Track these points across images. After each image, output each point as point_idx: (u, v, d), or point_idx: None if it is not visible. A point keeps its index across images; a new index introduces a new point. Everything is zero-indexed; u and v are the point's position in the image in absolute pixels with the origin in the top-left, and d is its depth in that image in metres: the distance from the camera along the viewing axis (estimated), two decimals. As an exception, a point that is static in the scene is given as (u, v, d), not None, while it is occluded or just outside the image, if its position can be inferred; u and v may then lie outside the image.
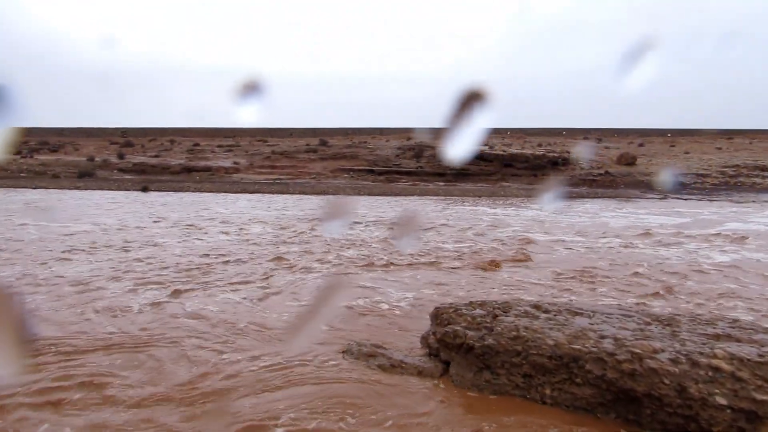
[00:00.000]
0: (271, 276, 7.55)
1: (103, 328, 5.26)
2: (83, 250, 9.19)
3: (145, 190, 20.76)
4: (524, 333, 3.80)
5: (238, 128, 53.05)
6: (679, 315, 4.30)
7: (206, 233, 11.11)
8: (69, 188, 21.37)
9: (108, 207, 15.56)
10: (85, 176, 25.20)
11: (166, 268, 7.89)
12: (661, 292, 6.71)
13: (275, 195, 19.44)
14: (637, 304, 6.06)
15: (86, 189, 21.13)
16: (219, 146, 39.45)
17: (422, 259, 8.66)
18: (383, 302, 6.20)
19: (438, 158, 29.45)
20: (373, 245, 10.02)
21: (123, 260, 8.41)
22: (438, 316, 4.47)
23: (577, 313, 4.22)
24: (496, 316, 4.23)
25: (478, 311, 4.38)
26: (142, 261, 8.36)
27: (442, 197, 20.18)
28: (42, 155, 33.47)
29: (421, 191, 22.00)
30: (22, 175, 25.77)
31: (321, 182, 24.91)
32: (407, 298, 6.43)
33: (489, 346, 3.83)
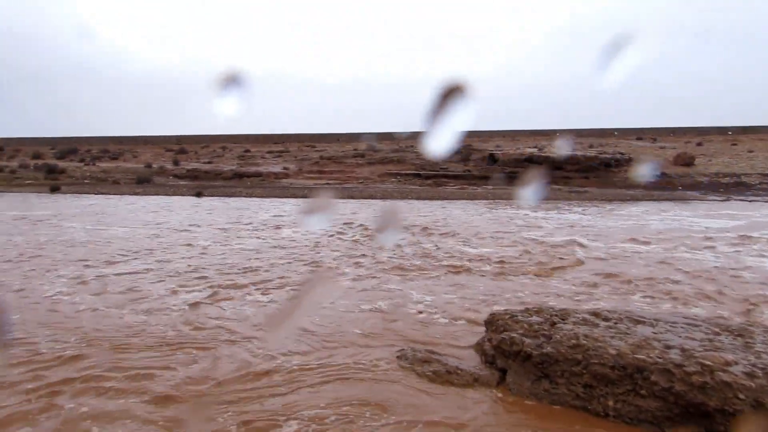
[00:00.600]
0: (314, 279, 7.66)
1: (147, 327, 5.45)
2: (133, 252, 9.54)
3: (199, 195, 21.37)
4: (584, 341, 3.69)
5: (287, 134, 54.01)
6: (751, 325, 4.08)
7: (252, 236, 11.33)
8: (128, 194, 22.24)
9: (162, 212, 16.08)
10: (143, 182, 26.15)
11: (209, 268, 8.10)
12: (721, 300, 6.41)
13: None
14: (702, 313, 5.80)
15: (144, 194, 21.93)
16: (269, 152, 40.24)
17: (472, 264, 8.55)
18: (434, 308, 6.15)
19: (485, 161, 29.18)
20: (420, 248, 9.98)
21: (168, 262, 8.68)
22: (493, 322, 4.40)
23: (638, 322, 4.07)
24: (554, 323, 4.13)
25: (535, 318, 4.29)
26: (187, 263, 8.61)
27: (491, 200, 19.93)
28: (103, 162, 34.95)
29: (470, 195, 21.79)
30: (86, 181, 27.02)
31: (369, 186, 25.02)
32: (458, 303, 6.36)
33: (548, 355, 3.74)
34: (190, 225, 13.15)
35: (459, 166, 29.33)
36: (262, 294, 6.89)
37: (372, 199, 19.73)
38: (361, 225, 12.88)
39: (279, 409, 3.70)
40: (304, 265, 8.63)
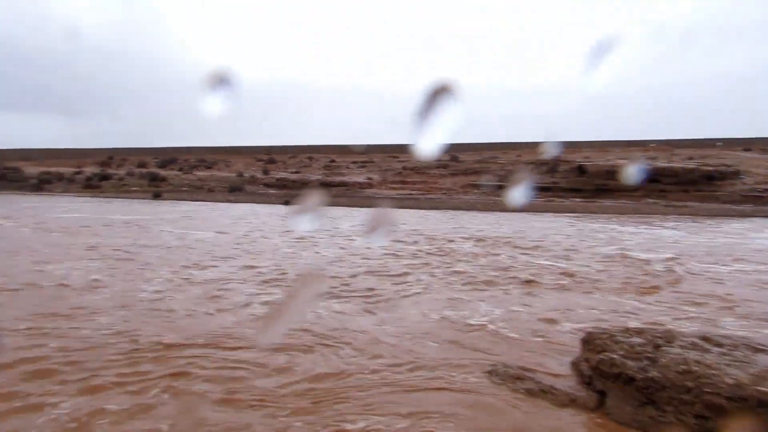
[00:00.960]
0: (399, 289, 7.65)
1: (235, 326, 5.63)
2: (221, 256, 9.96)
3: (286, 204, 22.11)
4: (696, 368, 3.41)
5: (371, 144, 54.83)
6: None
7: (331, 244, 11.50)
8: (221, 201, 23.39)
9: (249, 219, 16.75)
10: (235, 190, 27.47)
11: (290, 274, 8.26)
12: None
13: (407, 210, 19.71)
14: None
15: (236, 202, 22.98)
16: (353, 162, 41.01)
17: (563, 281, 8.23)
18: (526, 323, 5.95)
19: (573, 173, 28.11)
20: (497, 261, 9.73)
21: (251, 267, 8.98)
22: (590, 341, 4.18)
23: (758, 350, 3.71)
24: (658, 345, 3.86)
25: (636, 339, 4.02)
26: (270, 268, 8.87)
27: (580, 214, 19.17)
28: (200, 171, 37.05)
29: (557, 208, 21.09)
30: (183, 189, 28.73)
31: (452, 198, 24.87)
32: (551, 320, 6.11)
33: (653, 379, 3.49)
34: (274, 232, 13.60)
35: (546, 177, 28.50)
36: (342, 301, 6.96)
37: (455, 210, 19.55)
38: (439, 236, 12.79)
39: (376, 412, 3.68)
40: (389, 277, 8.64)
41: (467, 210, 19.55)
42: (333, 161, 41.71)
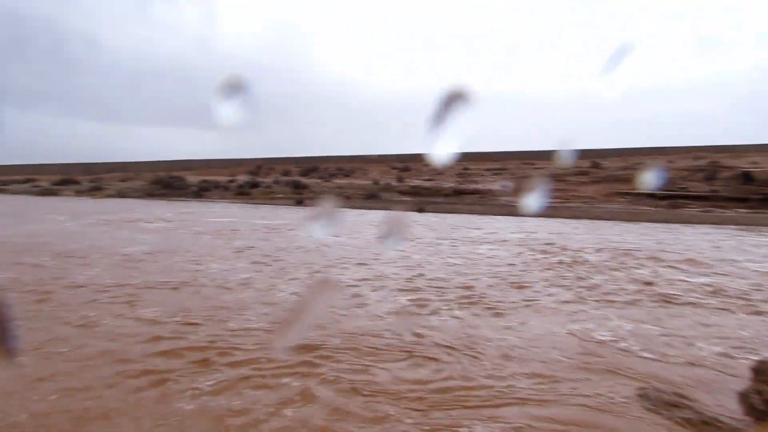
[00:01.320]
0: (526, 299, 7.44)
1: (368, 330, 5.79)
2: (353, 261, 10.29)
3: (420, 211, 22.39)
4: None
5: (505, 152, 53.75)
6: None
7: (461, 251, 11.38)
8: (358, 208, 24.27)
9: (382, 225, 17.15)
10: (371, 198, 28.37)
11: (418, 280, 8.31)
12: None
13: (545, 219, 19.02)
14: None
15: (371, 209, 23.71)
16: (487, 169, 40.51)
17: (714, 300, 7.43)
18: (669, 345, 5.46)
19: (737, 180, 25.19)
20: (639, 275, 9.00)
21: (380, 274, 9.15)
22: (764, 371, 3.72)
23: None
24: None
25: (823, 373, 3.52)
26: (399, 274, 8.98)
27: (743, 227, 17.15)
28: (338, 179, 38.86)
29: (715, 219, 19.04)
30: (323, 196, 30.28)
31: (593, 206, 23.52)
32: (699, 342, 5.55)
33: None
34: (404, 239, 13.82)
35: (702, 185, 25.94)
36: (465, 308, 6.89)
37: (596, 220, 18.49)
38: (575, 246, 12.16)
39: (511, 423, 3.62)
40: (511, 286, 8.41)
41: (610, 220, 18.37)
42: (467, 168, 41.52)
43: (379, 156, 59.00)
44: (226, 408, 4.13)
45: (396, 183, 34.98)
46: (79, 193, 37.19)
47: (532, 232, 14.96)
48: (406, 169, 44.42)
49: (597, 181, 30.52)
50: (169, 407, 4.15)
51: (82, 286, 8.40)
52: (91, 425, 3.88)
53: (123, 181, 46.51)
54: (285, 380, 4.57)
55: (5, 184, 48.14)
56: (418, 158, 55.32)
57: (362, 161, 55.86)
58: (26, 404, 4.17)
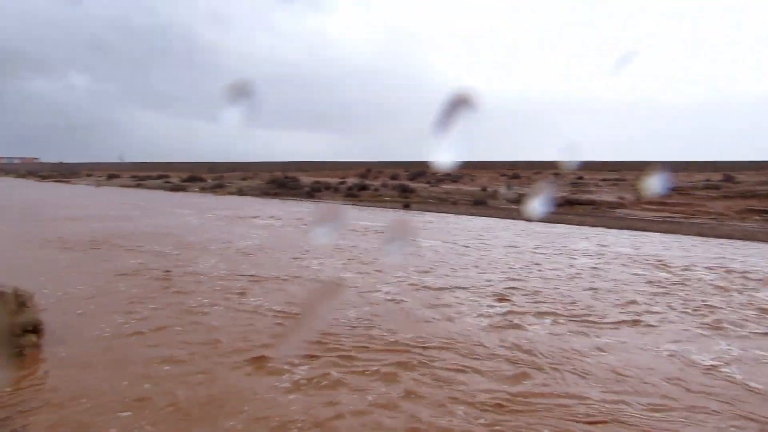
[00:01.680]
0: (626, 317, 7.01)
1: (459, 335, 5.65)
2: (457, 266, 10.13)
3: (528, 220, 21.71)
4: None
5: (624, 161, 50.75)
6: None
7: (560, 264, 10.82)
8: (464, 214, 24.03)
9: (485, 232, 16.80)
10: (478, 204, 27.96)
11: (515, 292, 7.99)
12: None
13: (665, 234, 17.66)
14: None
15: (478, 216, 23.37)
16: (603, 180, 38.46)
17: None
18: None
19: None
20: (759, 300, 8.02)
21: (477, 280, 8.92)
22: None
23: None
24: None
25: None
26: (491, 281, 8.70)
27: None
28: (446, 184, 38.71)
29: None
30: (430, 201, 30.32)
31: (723, 224, 21.46)
32: None
33: None
34: (505, 246, 13.42)
35: None
36: (560, 323, 6.55)
37: (726, 238, 16.83)
38: (694, 265, 11.16)
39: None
40: (617, 304, 7.88)
41: (743, 240, 16.65)
42: (580, 178, 39.72)
43: (491, 162, 58.10)
44: (319, 402, 4.28)
45: (505, 191, 34.24)
46: (204, 189, 40.17)
47: (642, 247, 13.96)
48: (515, 177, 43.35)
49: (729, 197, 27.86)
50: (266, 387, 4.40)
51: (200, 274, 9.09)
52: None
53: (243, 179, 49.63)
54: (375, 377, 4.66)
55: (142, 180, 53.27)
56: (528, 165, 53.80)
57: (472, 167, 55.26)
58: (146, 383, 4.62)
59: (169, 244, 12.25)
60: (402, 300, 7.64)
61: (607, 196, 30.34)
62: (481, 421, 3.98)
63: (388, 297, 7.77)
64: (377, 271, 9.74)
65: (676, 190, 30.60)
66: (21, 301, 5.65)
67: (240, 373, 4.87)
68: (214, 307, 7.09)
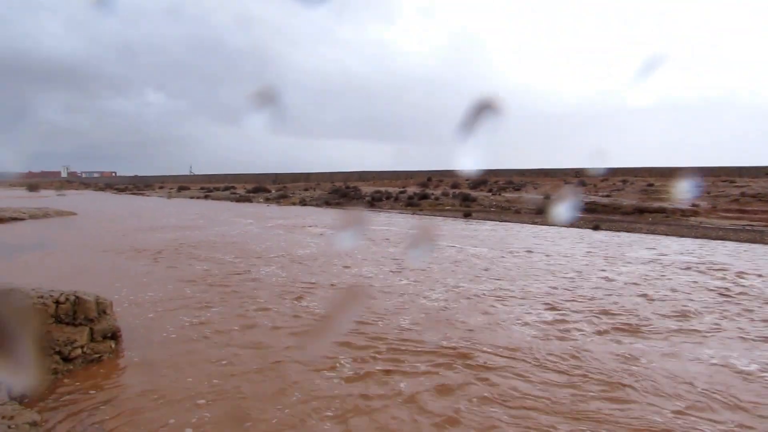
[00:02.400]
0: (682, 327, 6.65)
1: (520, 342, 5.48)
2: (497, 275, 9.87)
3: (596, 228, 20.95)
4: None
5: (698, 167, 48.27)
6: None
7: (623, 272, 10.32)
8: (527, 223, 23.51)
9: (545, 241, 16.30)
10: (542, 213, 27.28)
11: (566, 305, 7.67)
12: None
13: (743, 243, 16.60)
14: None
15: (542, 225, 22.79)
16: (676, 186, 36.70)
17: None
18: None
19: None
20: None
21: (527, 288, 8.62)
22: None
23: None
24: None
25: None
26: (541, 289, 8.38)
27: None
28: (508, 193, 38.05)
29: None
30: (492, 209, 29.89)
31: (811, 232, 19.91)
32: None
33: None
34: (563, 255, 12.98)
35: None
36: (614, 332, 6.23)
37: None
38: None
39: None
40: (673, 314, 7.47)
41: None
42: (651, 185, 38.03)
43: (555, 170, 56.67)
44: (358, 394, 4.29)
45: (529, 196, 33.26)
46: (268, 200, 41.30)
47: (708, 255, 13.15)
48: (581, 184, 42.02)
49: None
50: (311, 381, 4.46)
51: (259, 280, 9.34)
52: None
53: (305, 190, 50.69)
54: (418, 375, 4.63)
55: (210, 191, 55.35)
56: (596, 172, 52.07)
57: (535, 175, 54.07)
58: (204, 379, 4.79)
59: (231, 253, 12.69)
60: (449, 307, 7.65)
61: (681, 203, 28.89)
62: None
63: (435, 304, 7.79)
64: (427, 278, 9.79)
65: (755, 196, 28.77)
66: (102, 309, 5.96)
67: (298, 368, 5.07)
68: (273, 311, 7.33)
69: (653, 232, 19.65)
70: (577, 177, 49.80)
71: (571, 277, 10.18)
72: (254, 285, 9.04)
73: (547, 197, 33.93)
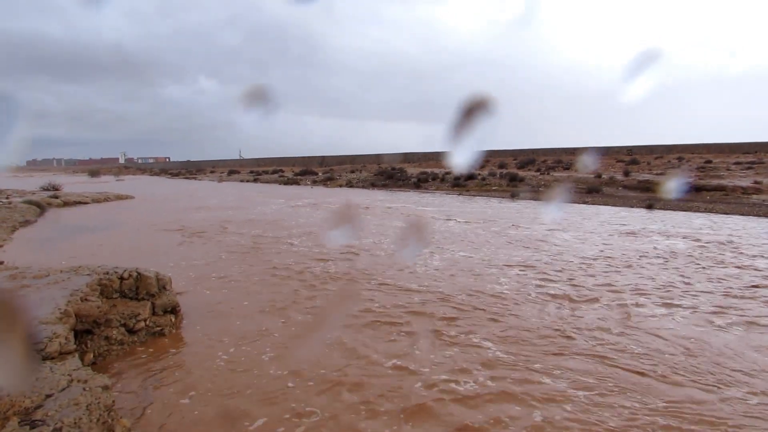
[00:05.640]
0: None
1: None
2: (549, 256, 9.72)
3: (649, 207, 20.34)
4: None
5: (761, 142, 45.93)
6: None
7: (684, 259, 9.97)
8: (578, 203, 23.00)
9: (594, 221, 15.93)
10: (593, 192, 26.63)
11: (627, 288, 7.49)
12: None
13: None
14: None
15: (592, 204, 22.28)
16: (736, 163, 35.07)
17: None
18: None
19: None
20: None
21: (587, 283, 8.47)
22: None
23: None
24: None
25: None
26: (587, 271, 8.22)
27: None
28: (556, 172, 37.27)
29: None
30: (540, 189, 29.36)
31: None
32: None
33: None
34: (609, 235, 12.64)
35: None
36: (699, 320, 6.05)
37: None
38: None
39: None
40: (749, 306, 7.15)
41: None
42: (709, 162, 36.55)
43: (605, 147, 55.08)
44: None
45: (621, 177, 32.29)
46: (315, 182, 41.82)
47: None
48: (633, 162, 40.73)
49: None
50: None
51: (300, 253, 9.53)
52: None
53: (352, 172, 50.99)
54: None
55: (258, 175, 56.43)
56: (648, 150, 50.32)
57: (585, 153, 52.69)
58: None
59: (280, 229, 13.10)
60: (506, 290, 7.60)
61: (741, 181, 27.64)
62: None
63: (494, 288, 7.77)
64: (478, 261, 9.72)
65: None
66: (162, 285, 6.30)
67: (352, 333, 5.19)
68: (326, 287, 7.58)
69: (711, 211, 18.93)
70: (629, 155, 48.22)
71: (643, 271, 9.97)
72: (301, 268, 9.26)
73: (598, 176, 33.03)
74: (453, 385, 4.37)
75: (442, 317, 6.22)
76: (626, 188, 28.68)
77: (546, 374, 4.57)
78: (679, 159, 40.40)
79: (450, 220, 16.20)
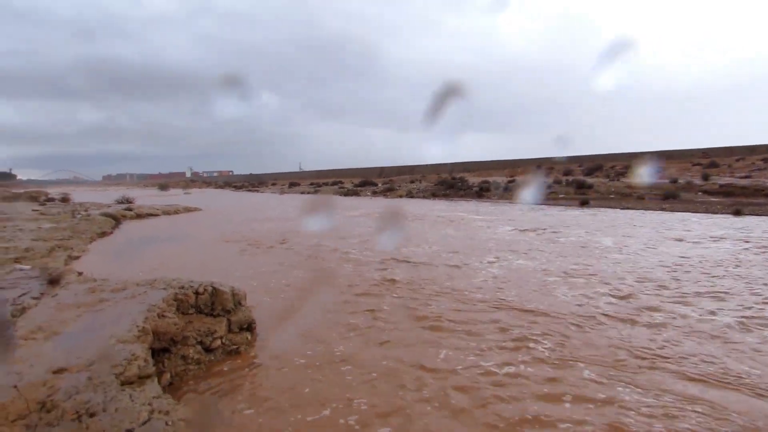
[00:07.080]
0: None
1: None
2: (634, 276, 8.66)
3: (737, 213, 18.57)
4: None
5: None
6: None
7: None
8: (653, 209, 21.44)
9: (675, 228, 14.52)
10: (669, 198, 24.83)
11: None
12: None
13: None
14: None
15: (671, 211, 20.66)
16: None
17: None
18: None
19: None
20: None
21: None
22: None
23: None
24: None
25: None
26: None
27: None
28: (627, 178, 35.22)
29: None
30: (610, 196, 27.72)
31: None
32: None
33: None
34: (704, 245, 11.31)
35: None
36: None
37: None
38: None
39: None
40: None
41: None
42: (799, 163, 33.59)
43: (678, 151, 52.02)
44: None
45: (700, 181, 30.08)
46: (375, 193, 41.50)
47: None
48: (712, 165, 38.08)
49: None
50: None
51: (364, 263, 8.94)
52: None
53: (411, 182, 50.46)
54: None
55: (319, 186, 56.90)
56: (727, 152, 47.08)
57: (656, 158, 49.96)
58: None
59: (338, 238, 12.66)
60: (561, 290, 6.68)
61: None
62: None
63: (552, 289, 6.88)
64: (535, 268, 8.80)
65: None
66: (237, 300, 5.82)
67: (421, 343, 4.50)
68: (385, 298, 6.98)
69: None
70: (705, 157, 45.24)
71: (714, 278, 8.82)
72: (364, 279, 8.65)
73: (674, 181, 30.93)
74: None
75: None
76: (706, 193, 26.61)
77: None
78: (765, 160, 37.38)
79: (594, 240, 15.23)
